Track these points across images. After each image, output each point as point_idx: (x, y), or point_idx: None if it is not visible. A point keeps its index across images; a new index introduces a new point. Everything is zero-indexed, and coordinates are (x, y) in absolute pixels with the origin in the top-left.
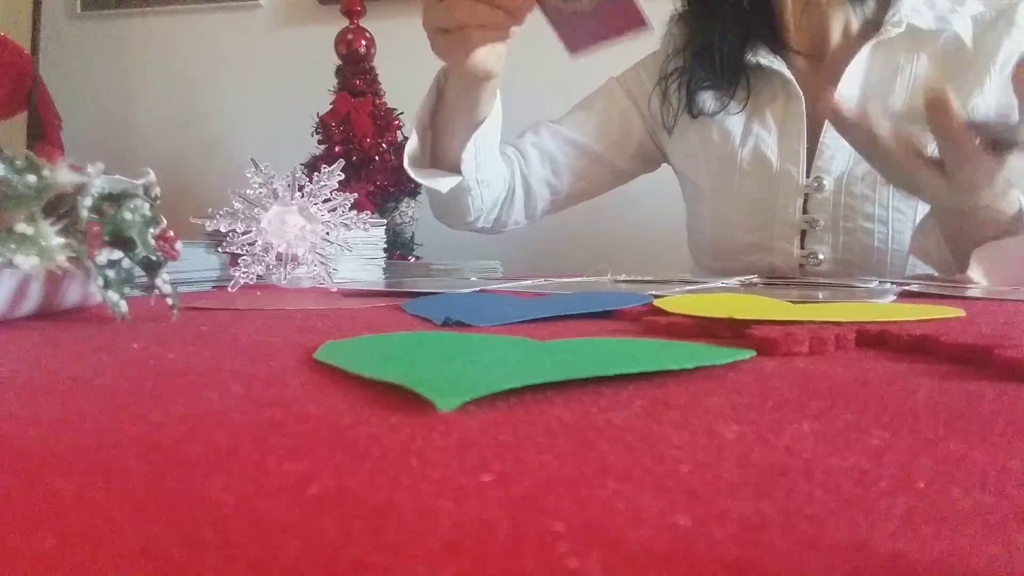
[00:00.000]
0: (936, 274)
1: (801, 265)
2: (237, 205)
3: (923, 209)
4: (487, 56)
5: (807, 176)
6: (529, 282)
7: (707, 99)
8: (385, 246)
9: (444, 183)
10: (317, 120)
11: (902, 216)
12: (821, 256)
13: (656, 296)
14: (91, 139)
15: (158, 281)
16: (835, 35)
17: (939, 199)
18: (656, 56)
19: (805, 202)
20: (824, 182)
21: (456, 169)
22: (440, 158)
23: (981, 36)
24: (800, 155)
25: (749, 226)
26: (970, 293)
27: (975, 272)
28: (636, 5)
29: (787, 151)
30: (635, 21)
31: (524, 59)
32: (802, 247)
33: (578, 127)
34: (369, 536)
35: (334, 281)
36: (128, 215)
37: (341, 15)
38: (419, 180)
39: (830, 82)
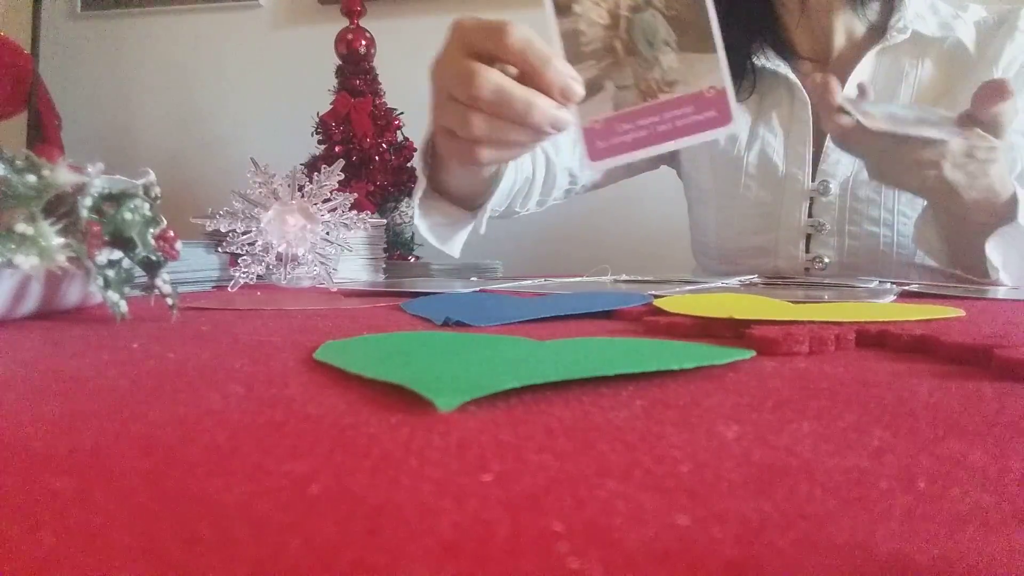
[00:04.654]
0: (947, 271)
1: (807, 269)
2: (237, 205)
3: None
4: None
5: (812, 180)
6: (529, 282)
7: None
8: (385, 246)
9: (456, 243)
10: (317, 120)
11: (907, 220)
12: (827, 260)
13: (656, 296)
14: (91, 139)
15: (158, 281)
16: (839, 39)
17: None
18: None
19: (810, 206)
20: (830, 186)
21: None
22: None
23: (984, 41)
24: (806, 159)
25: (754, 229)
26: (971, 293)
27: (994, 272)
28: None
29: (793, 155)
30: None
31: None
32: (807, 251)
33: None
34: (369, 536)
35: (334, 281)
36: (128, 215)
37: (341, 15)
38: (435, 243)
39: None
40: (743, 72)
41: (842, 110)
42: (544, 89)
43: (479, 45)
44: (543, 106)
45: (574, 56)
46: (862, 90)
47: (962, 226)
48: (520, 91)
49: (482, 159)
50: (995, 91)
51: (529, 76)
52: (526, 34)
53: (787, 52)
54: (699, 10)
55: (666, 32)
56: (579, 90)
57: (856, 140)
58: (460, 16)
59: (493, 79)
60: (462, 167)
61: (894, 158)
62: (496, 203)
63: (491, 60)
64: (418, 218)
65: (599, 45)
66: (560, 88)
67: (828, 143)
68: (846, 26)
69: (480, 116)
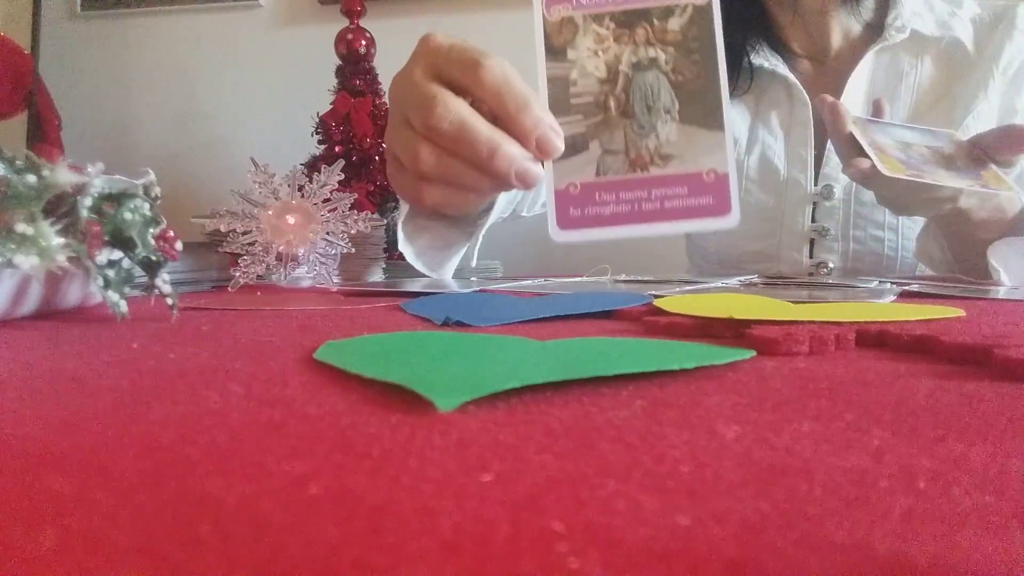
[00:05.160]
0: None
1: (810, 274)
2: (237, 205)
3: None
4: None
5: (815, 184)
6: (529, 282)
7: None
8: (385, 246)
9: (448, 270)
10: (317, 120)
11: (912, 224)
12: (831, 265)
13: (656, 296)
14: (91, 139)
15: (158, 281)
16: (835, 39)
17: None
18: None
19: (814, 210)
20: (833, 190)
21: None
22: None
23: (982, 40)
24: (808, 162)
25: (756, 235)
26: (971, 293)
27: (996, 273)
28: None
29: (794, 158)
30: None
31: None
32: (811, 256)
33: None
34: (369, 536)
35: (334, 281)
36: (128, 215)
37: (341, 15)
38: (424, 270)
39: (835, 87)
40: (739, 69)
41: (853, 139)
42: (518, 136)
43: (449, 74)
44: (511, 153)
45: (559, 106)
46: (878, 107)
47: (968, 241)
48: (486, 130)
49: (426, 199)
50: (1020, 141)
51: (503, 120)
52: (505, 70)
53: (783, 50)
54: (710, 81)
55: (669, 98)
56: (559, 144)
57: (876, 183)
58: (431, 31)
59: (456, 110)
60: (407, 203)
61: (911, 195)
62: (499, 211)
63: (460, 91)
64: (403, 243)
65: (590, 99)
66: (538, 137)
67: (829, 146)
68: (842, 25)
69: (431, 150)
